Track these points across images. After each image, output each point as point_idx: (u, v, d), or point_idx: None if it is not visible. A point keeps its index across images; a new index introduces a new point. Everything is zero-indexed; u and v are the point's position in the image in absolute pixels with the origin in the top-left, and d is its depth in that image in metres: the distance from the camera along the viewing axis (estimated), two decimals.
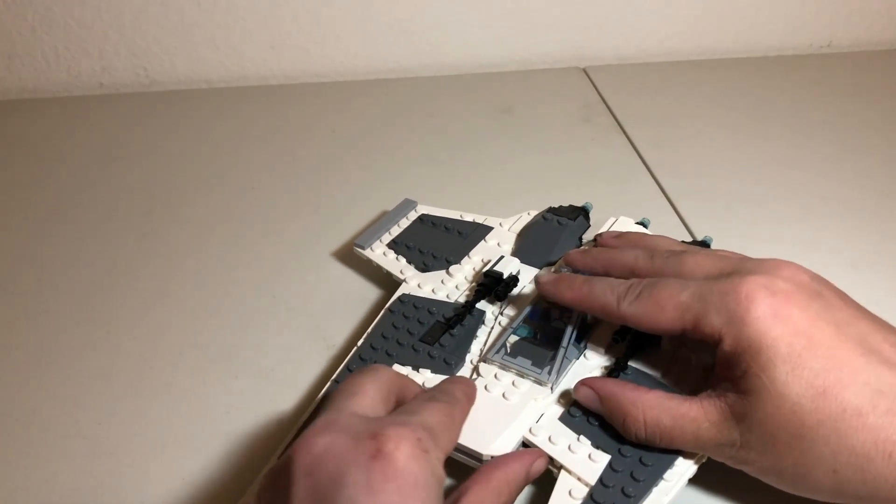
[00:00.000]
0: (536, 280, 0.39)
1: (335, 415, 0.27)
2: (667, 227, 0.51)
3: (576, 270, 0.40)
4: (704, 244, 0.44)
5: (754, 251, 0.47)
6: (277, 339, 0.45)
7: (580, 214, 0.47)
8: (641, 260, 0.37)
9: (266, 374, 0.42)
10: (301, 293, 0.48)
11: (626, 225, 0.45)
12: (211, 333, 0.45)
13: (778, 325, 0.30)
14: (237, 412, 0.40)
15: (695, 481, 0.33)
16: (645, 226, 0.46)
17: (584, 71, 0.78)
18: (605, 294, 0.35)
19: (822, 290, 0.32)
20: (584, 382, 0.35)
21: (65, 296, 0.48)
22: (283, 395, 0.41)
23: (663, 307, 0.32)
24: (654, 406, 0.32)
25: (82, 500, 0.36)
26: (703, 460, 0.33)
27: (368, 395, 0.29)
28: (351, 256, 0.50)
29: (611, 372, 0.36)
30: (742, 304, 0.30)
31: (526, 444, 0.35)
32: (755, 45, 0.83)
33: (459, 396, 0.31)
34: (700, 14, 0.80)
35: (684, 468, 0.32)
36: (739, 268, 0.33)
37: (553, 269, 0.43)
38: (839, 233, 0.54)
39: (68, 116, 0.69)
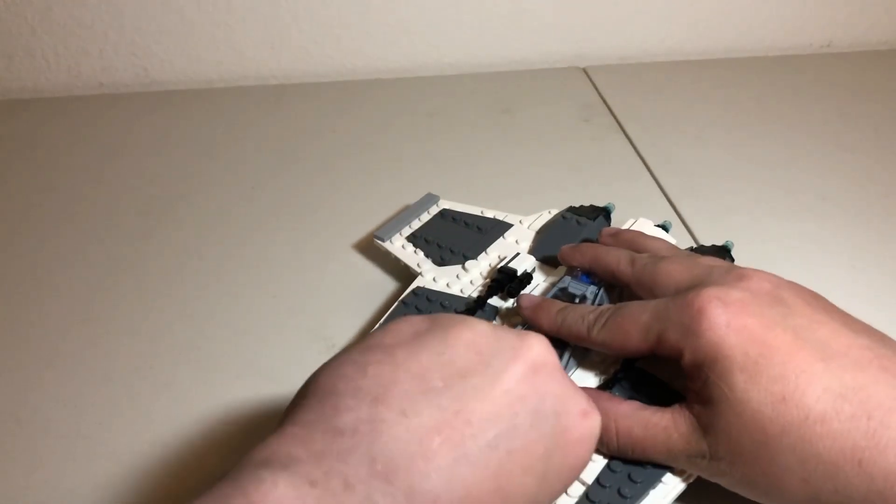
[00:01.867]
0: (518, 302, 0.39)
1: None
2: None
3: (570, 267, 0.41)
4: (725, 249, 0.44)
5: (754, 251, 0.47)
6: (280, 337, 0.45)
7: (600, 214, 0.47)
8: (623, 264, 0.37)
9: (268, 374, 0.42)
10: (302, 291, 0.48)
11: (646, 226, 0.45)
12: (212, 333, 0.45)
13: (731, 335, 0.30)
14: (238, 412, 0.40)
15: (693, 488, 0.33)
16: (666, 229, 0.46)
17: (584, 71, 0.78)
18: (577, 324, 0.36)
19: (785, 297, 0.32)
20: None
21: (65, 295, 0.48)
22: (285, 394, 0.41)
23: (628, 332, 0.33)
24: (626, 416, 0.32)
25: (83, 500, 0.36)
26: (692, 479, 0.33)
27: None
28: (369, 249, 0.51)
29: (616, 373, 0.36)
30: (695, 318, 0.31)
31: None
32: (755, 45, 0.83)
33: None
34: (700, 14, 0.80)
35: (683, 474, 0.32)
36: (703, 280, 0.33)
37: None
38: (839, 233, 0.54)
39: (68, 116, 0.69)
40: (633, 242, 0.41)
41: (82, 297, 0.48)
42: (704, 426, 0.30)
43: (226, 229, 0.54)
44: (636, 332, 0.33)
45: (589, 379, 0.37)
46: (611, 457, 0.33)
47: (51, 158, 0.63)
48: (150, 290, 0.49)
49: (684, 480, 0.32)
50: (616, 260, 0.38)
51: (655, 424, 0.32)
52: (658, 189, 0.59)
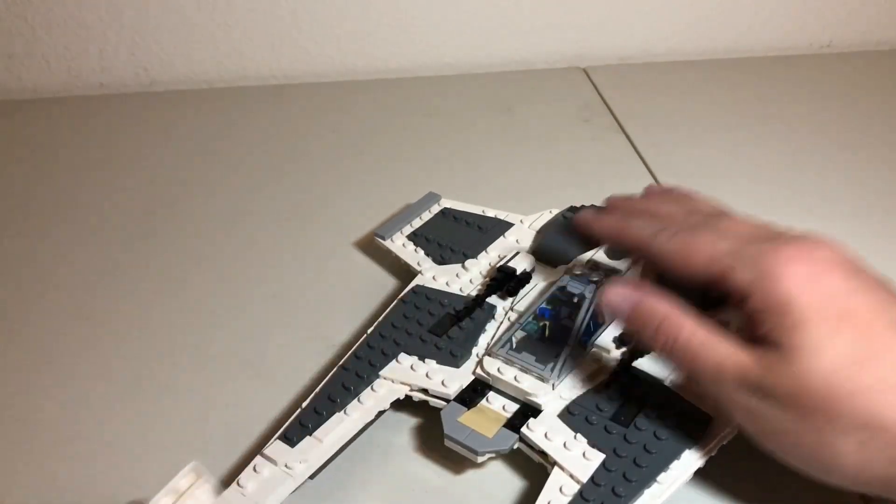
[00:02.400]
0: (575, 217, 0.38)
1: None
2: None
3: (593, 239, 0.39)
4: None
5: None
6: (280, 336, 0.45)
7: None
8: (678, 217, 0.36)
9: (267, 374, 0.42)
10: (302, 289, 0.48)
11: None
12: (212, 333, 0.45)
13: (815, 290, 0.29)
14: (237, 412, 0.40)
15: (688, 489, 0.33)
16: None
17: (584, 71, 0.78)
18: (642, 229, 0.34)
19: (862, 271, 0.31)
20: (617, 285, 0.33)
21: (65, 296, 0.48)
22: (284, 394, 0.41)
23: (696, 251, 0.32)
24: (691, 323, 0.31)
25: (82, 500, 0.36)
26: (713, 453, 0.33)
27: None
28: (370, 247, 0.51)
29: (615, 373, 0.36)
30: (780, 264, 0.30)
31: (523, 441, 0.35)
32: (755, 45, 0.83)
33: None
34: (700, 14, 0.80)
35: (679, 472, 0.32)
36: (782, 234, 0.32)
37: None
38: (839, 233, 0.53)
39: (68, 116, 0.69)
40: (683, 199, 0.38)
41: (82, 297, 0.48)
42: (767, 367, 0.29)
43: (226, 229, 0.54)
44: (704, 256, 0.32)
45: (583, 384, 0.37)
46: (618, 444, 0.33)
47: (51, 158, 0.63)
48: (149, 291, 0.49)
49: (704, 455, 0.32)
50: (668, 213, 0.36)
51: (717, 342, 0.31)
52: None
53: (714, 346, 0.31)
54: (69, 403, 0.40)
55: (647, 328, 0.32)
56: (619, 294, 0.33)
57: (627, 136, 0.66)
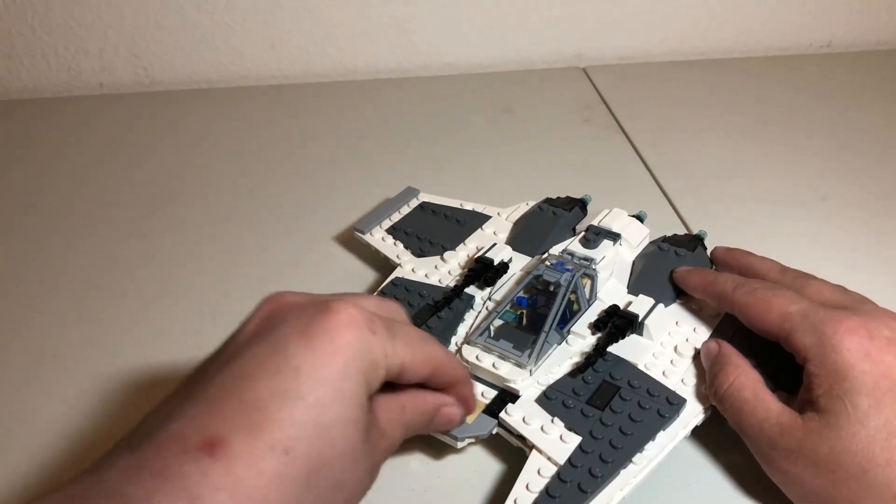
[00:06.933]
0: (674, 271, 0.41)
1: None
2: (666, 227, 0.51)
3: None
4: (698, 238, 0.44)
5: (753, 251, 0.47)
6: None
7: (576, 206, 0.48)
8: (773, 273, 0.39)
9: None
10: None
11: (620, 217, 0.45)
12: (210, 332, 0.45)
13: (867, 364, 0.31)
14: None
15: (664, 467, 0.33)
16: (641, 219, 0.46)
17: (584, 71, 0.78)
18: (726, 283, 0.38)
19: None
20: (715, 340, 0.37)
21: (64, 295, 0.48)
22: None
23: (770, 309, 0.35)
24: (749, 378, 0.34)
25: None
26: (687, 434, 0.34)
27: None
28: (351, 241, 0.51)
29: (589, 357, 0.37)
30: (838, 334, 0.32)
31: (502, 426, 0.35)
32: (755, 45, 0.83)
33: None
34: (700, 14, 0.80)
35: (654, 453, 0.33)
36: (855, 306, 0.34)
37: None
38: (839, 232, 0.54)
39: (68, 116, 0.69)
40: (746, 258, 0.42)
41: (82, 297, 0.48)
42: (809, 429, 0.31)
43: (223, 228, 0.55)
44: (777, 315, 0.34)
45: (559, 369, 0.37)
46: (594, 426, 0.34)
47: (51, 158, 0.63)
48: (149, 290, 0.49)
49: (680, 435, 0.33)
50: (767, 268, 0.40)
51: (764, 400, 0.33)
52: (657, 188, 0.59)
53: (761, 405, 0.33)
54: (67, 403, 0.40)
55: (712, 373, 0.35)
56: (709, 346, 0.37)
57: (627, 136, 0.66)
